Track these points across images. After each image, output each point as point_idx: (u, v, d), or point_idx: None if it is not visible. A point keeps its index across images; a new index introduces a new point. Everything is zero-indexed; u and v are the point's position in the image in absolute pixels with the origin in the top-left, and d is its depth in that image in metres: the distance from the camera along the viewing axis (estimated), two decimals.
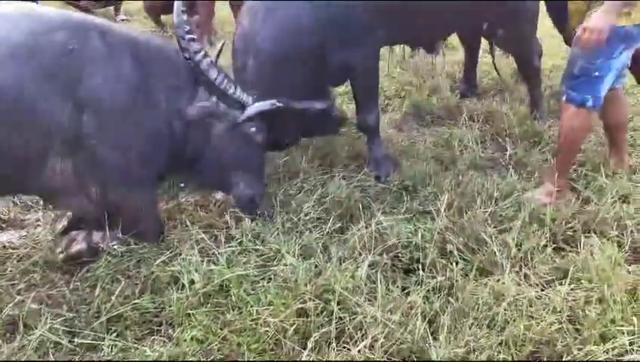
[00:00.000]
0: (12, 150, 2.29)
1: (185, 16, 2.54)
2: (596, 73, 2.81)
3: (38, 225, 2.88)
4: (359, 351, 1.95)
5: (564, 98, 2.95)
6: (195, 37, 2.57)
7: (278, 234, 2.62)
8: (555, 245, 2.61)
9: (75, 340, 2.05)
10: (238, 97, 2.63)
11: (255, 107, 2.65)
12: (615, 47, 2.77)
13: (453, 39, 4.79)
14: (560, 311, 2.16)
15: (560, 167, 3.02)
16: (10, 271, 2.44)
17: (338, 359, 1.96)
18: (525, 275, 2.40)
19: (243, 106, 2.65)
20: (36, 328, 2.06)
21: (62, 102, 2.30)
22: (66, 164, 2.39)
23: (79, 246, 2.55)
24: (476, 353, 2.00)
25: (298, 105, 2.85)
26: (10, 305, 2.17)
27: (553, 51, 5.02)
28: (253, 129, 2.71)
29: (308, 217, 2.78)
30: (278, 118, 2.74)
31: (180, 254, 2.46)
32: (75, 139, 2.35)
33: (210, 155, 2.69)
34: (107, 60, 2.39)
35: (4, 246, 2.65)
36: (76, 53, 2.32)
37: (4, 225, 2.89)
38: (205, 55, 2.55)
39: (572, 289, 2.29)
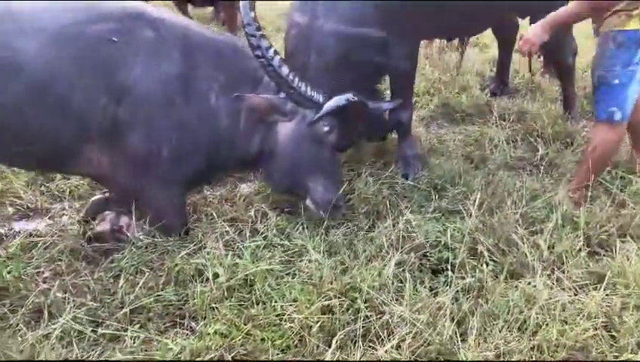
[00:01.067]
0: (51, 133, 2.32)
1: (253, 14, 2.44)
2: (616, 81, 2.67)
3: (64, 214, 2.88)
4: (386, 351, 1.90)
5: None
6: (264, 35, 2.48)
7: (303, 229, 2.58)
8: (589, 249, 2.52)
9: (99, 330, 2.04)
10: (310, 96, 2.54)
11: (334, 101, 2.53)
12: (633, 53, 2.63)
13: (485, 37, 4.68)
14: (595, 317, 2.08)
15: (585, 175, 2.89)
16: (37, 259, 2.44)
17: (364, 358, 1.92)
18: (558, 279, 2.32)
19: (315, 105, 2.56)
20: (60, 316, 2.06)
21: (99, 91, 2.30)
22: (102, 151, 2.39)
23: (103, 226, 2.58)
24: (506, 357, 1.94)
25: (370, 105, 2.72)
26: (36, 292, 2.17)
27: (589, 49, 4.88)
28: (326, 128, 2.60)
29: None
30: (343, 118, 2.64)
31: (205, 247, 2.43)
32: (111, 129, 2.35)
33: (281, 157, 2.60)
34: (151, 52, 2.37)
35: (31, 235, 2.66)
36: (118, 43, 2.31)
37: (31, 214, 2.90)
38: (276, 52, 2.47)
39: (607, 295, 2.20)
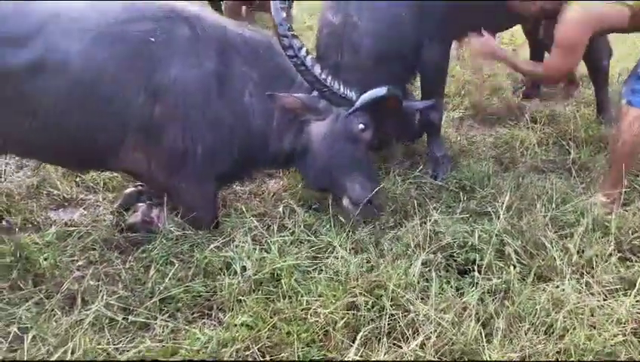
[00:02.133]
0: (92, 131, 2.39)
1: (284, 14, 2.47)
2: None
3: (98, 205, 2.96)
4: (410, 349, 1.91)
5: (624, 101, 2.81)
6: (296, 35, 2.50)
7: (330, 227, 2.60)
8: (620, 254, 2.48)
9: (129, 318, 2.10)
10: (344, 94, 2.56)
11: (370, 94, 2.53)
12: None
13: (519, 37, 4.62)
14: (624, 323, 2.05)
15: (614, 180, 2.86)
16: (71, 247, 2.51)
17: (387, 356, 1.93)
18: (587, 283, 2.28)
19: (348, 103, 2.57)
20: (93, 303, 2.12)
21: (138, 90, 2.35)
22: (139, 150, 2.45)
23: (135, 218, 2.66)
24: (532, 359, 1.93)
25: (405, 102, 2.72)
26: (70, 280, 2.24)
27: (623, 55, 4.79)
28: (361, 125, 2.60)
29: None
30: (377, 115, 2.65)
31: (234, 241, 2.47)
32: (148, 128, 2.41)
33: (316, 156, 2.61)
34: (189, 51, 2.41)
35: (66, 224, 2.75)
36: (157, 43, 2.36)
37: (66, 204, 2.99)
38: (308, 52, 2.49)
39: (637, 301, 2.17)
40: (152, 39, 2.35)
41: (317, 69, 2.50)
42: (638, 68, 2.74)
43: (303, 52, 2.46)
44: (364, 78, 2.73)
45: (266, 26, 6.80)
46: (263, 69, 2.56)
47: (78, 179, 3.15)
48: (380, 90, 2.54)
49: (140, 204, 2.71)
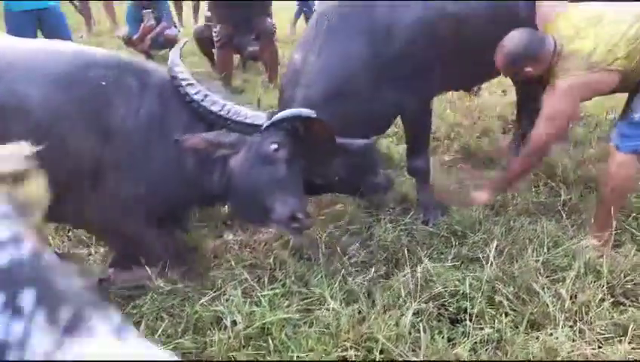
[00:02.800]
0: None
1: (179, 62, 2.55)
2: None
3: (89, 260, 2.96)
4: None
5: (612, 143, 2.82)
6: (192, 80, 2.54)
7: (321, 277, 2.59)
8: (613, 299, 2.47)
9: None
10: (252, 122, 2.52)
11: (281, 113, 2.50)
12: None
13: (506, 80, 4.69)
14: None
15: (602, 222, 2.87)
16: None
17: None
18: (580, 330, 2.27)
19: (259, 129, 2.54)
20: None
21: (89, 135, 2.37)
22: (90, 196, 2.44)
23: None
24: None
25: (340, 139, 2.62)
26: None
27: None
28: (273, 146, 2.52)
29: (353, 260, 2.75)
30: (302, 141, 2.59)
31: (224, 294, 2.46)
32: (97, 172, 2.41)
33: (237, 188, 2.57)
34: (134, 96, 2.45)
35: None
36: (107, 88, 2.40)
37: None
38: (205, 93, 2.51)
39: (633, 349, 2.15)
40: (103, 83, 2.39)
41: (216, 107, 2.50)
42: (630, 114, 2.75)
43: (199, 95, 2.50)
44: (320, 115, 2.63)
45: (259, 73, 6.97)
46: (191, 110, 2.56)
47: (70, 234, 3.15)
48: (294, 111, 2.52)
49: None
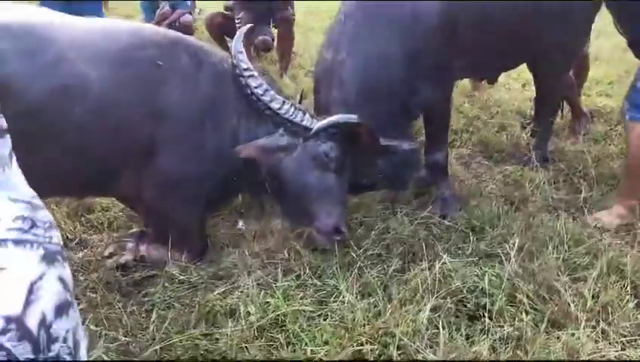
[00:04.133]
0: (94, 153, 2.39)
1: (243, 50, 2.53)
2: None
3: (101, 246, 2.92)
4: None
5: (627, 117, 2.78)
6: (254, 72, 2.52)
7: (336, 269, 2.54)
8: (637, 300, 2.39)
9: None
10: (308, 124, 2.53)
11: (331, 119, 2.52)
12: None
13: (527, 73, 4.59)
14: None
15: (629, 192, 2.82)
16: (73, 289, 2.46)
17: None
18: (603, 331, 2.20)
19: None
20: (93, 349, 2.06)
21: (142, 114, 2.39)
22: (138, 173, 2.47)
23: (126, 257, 2.66)
24: None
25: (384, 140, 2.63)
26: None
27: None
28: (324, 150, 2.53)
29: (368, 253, 2.69)
30: (349, 146, 2.61)
31: (238, 285, 2.42)
32: (148, 151, 2.43)
33: (286, 190, 2.59)
34: (188, 77, 2.47)
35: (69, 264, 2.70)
36: (162, 68, 2.42)
37: (70, 244, 2.95)
38: (266, 88, 2.50)
39: None
40: (159, 63, 2.42)
41: (275, 104, 2.49)
42: (637, 81, 2.72)
43: (259, 89, 2.48)
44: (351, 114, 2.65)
45: (272, 62, 6.90)
46: (247, 100, 2.55)
47: (82, 219, 3.12)
48: (345, 116, 2.52)
49: (129, 244, 2.71)
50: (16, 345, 0.90)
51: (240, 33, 2.65)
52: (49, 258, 1.03)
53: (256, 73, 2.53)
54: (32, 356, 0.92)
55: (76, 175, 2.48)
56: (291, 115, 2.52)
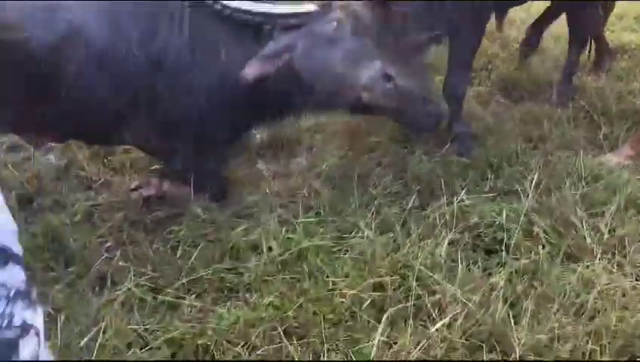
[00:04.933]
0: (99, 102, 2.38)
1: None
2: None
3: (125, 186, 2.99)
4: (437, 330, 1.91)
5: None
6: None
7: (355, 207, 2.58)
8: None
9: (159, 297, 2.13)
10: (300, 10, 2.42)
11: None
12: None
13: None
14: None
15: None
16: (99, 228, 2.55)
17: (414, 336, 1.92)
18: (619, 263, 2.25)
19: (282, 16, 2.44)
20: (123, 284, 2.16)
21: (141, 61, 2.35)
22: (143, 120, 2.46)
23: (149, 191, 2.72)
24: (561, 341, 1.90)
25: None
26: (100, 261, 2.28)
27: None
28: (332, 24, 2.42)
29: (386, 191, 2.73)
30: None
31: (260, 223, 2.47)
32: (152, 98, 2.42)
33: (313, 76, 2.45)
34: (182, 22, 2.39)
35: (94, 205, 2.78)
36: (155, 15, 2.36)
37: (94, 185, 3.02)
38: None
39: None
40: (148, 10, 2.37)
41: (254, 6, 2.37)
42: None
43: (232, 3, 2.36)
44: None
45: None
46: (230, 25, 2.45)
47: (105, 161, 3.18)
48: None
49: (154, 179, 2.76)
50: None
51: None
52: None
53: None
54: None
55: (82, 125, 2.49)
56: (275, 9, 2.40)
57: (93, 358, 1.87)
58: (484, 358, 1.89)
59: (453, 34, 2.98)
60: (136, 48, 2.33)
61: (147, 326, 2.01)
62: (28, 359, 1.03)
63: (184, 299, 2.12)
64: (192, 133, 2.55)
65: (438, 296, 2.03)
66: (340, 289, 2.06)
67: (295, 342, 1.94)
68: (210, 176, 2.72)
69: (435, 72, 3.65)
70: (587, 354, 1.87)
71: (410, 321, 1.97)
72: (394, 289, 2.08)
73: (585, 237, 2.32)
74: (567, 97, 3.75)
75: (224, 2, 2.37)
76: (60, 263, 2.30)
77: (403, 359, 1.87)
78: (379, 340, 1.89)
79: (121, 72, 2.34)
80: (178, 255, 2.35)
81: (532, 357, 1.87)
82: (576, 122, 3.51)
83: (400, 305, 2.02)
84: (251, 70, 2.34)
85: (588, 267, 2.19)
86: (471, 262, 2.25)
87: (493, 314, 1.95)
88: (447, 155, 3.05)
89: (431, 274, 2.10)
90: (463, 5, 2.87)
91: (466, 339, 1.91)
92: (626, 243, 2.33)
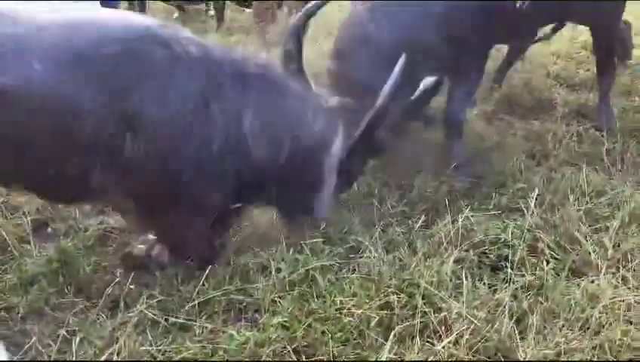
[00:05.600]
0: (60, 160, 2.10)
1: None
2: None
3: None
4: (443, 347, 1.93)
5: None
6: None
7: (361, 227, 2.62)
8: None
9: (170, 319, 2.17)
10: None
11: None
12: None
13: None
14: None
15: None
16: (112, 254, 2.61)
17: (421, 353, 1.95)
18: (623, 278, 2.27)
19: None
20: (135, 307, 2.20)
21: (108, 116, 2.04)
22: (110, 178, 2.15)
23: (139, 251, 2.57)
24: (567, 355, 1.92)
25: None
26: (112, 285, 2.33)
27: None
28: None
29: (392, 211, 2.77)
30: None
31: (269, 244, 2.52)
32: (118, 154, 2.09)
33: None
34: (164, 74, 2.10)
35: (106, 230, 2.83)
36: (131, 66, 2.06)
37: (106, 210, 3.08)
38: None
39: None
40: (123, 60, 2.05)
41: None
42: None
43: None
44: None
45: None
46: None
47: None
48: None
49: (150, 236, 2.61)
50: None
51: None
52: None
53: None
54: None
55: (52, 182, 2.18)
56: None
57: None
58: None
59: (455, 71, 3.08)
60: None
61: (160, 347, 2.05)
62: None
63: (195, 320, 2.16)
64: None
65: (444, 313, 2.06)
66: (348, 308, 2.09)
67: (304, 360, 1.97)
68: (192, 244, 2.49)
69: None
70: None
71: (417, 338, 1.99)
72: (401, 308, 2.11)
73: (589, 253, 2.35)
74: (612, 120, 3.73)
75: None
76: (73, 287, 2.35)
77: None
78: (386, 358, 1.92)
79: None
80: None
81: None
82: (579, 138, 3.55)
83: (407, 323, 2.04)
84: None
85: (593, 282, 2.21)
86: (476, 279, 2.28)
87: (499, 330, 1.98)
88: (451, 174, 3.08)
89: (437, 291, 2.14)
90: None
91: (472, 355, 1.93)
92: (630, 257, 2.35)
